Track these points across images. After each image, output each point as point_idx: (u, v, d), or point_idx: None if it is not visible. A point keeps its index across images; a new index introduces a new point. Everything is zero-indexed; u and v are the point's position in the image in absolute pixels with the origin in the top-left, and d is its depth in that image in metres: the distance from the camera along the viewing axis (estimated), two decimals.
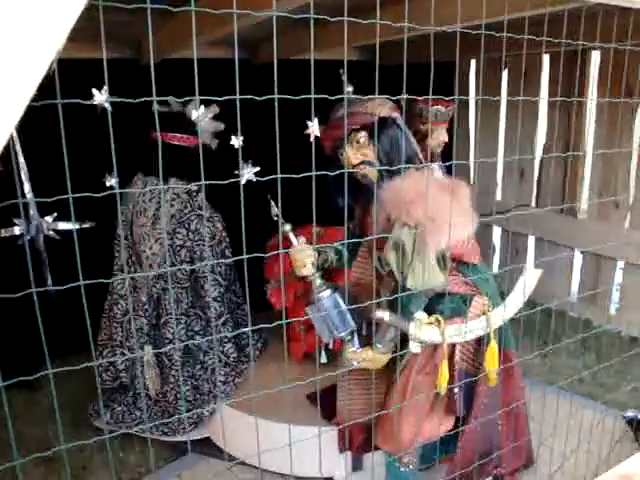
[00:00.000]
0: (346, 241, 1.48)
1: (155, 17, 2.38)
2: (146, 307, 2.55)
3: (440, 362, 1.69)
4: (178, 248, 2.51)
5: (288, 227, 1.72)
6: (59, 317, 3.04)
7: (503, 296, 1.79)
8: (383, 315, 1.60)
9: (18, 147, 2.92)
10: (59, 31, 0.64)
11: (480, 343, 1.77)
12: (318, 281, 1.70)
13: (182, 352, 2.56)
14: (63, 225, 3.14)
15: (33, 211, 3.04)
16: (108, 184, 3.16)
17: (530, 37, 1.42)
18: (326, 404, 2.19)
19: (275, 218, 1.66)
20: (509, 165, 4.10)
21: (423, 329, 1.65)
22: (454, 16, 1.45)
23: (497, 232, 4.43)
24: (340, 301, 1.66)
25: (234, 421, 2.42)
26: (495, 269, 4.34)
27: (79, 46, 2.64)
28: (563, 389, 2.75)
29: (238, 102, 0.97)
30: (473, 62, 4.17)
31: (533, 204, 4.04)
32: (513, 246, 4.21)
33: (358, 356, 1.71)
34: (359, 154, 1.77)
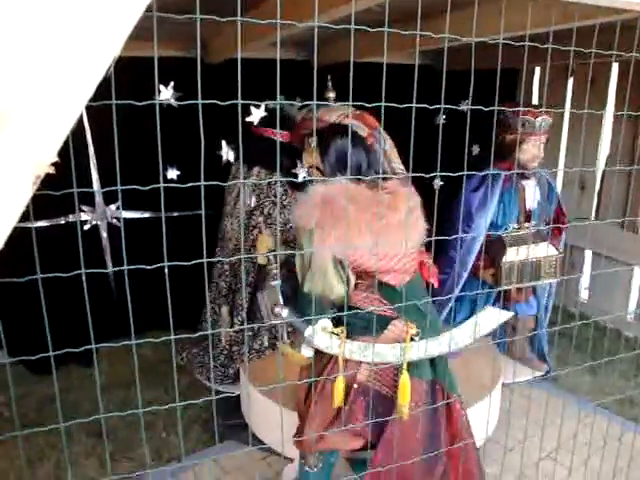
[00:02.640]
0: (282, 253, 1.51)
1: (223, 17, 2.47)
2: (227, 273, 2.93)
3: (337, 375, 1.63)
4: (251, 228, 2.81)
5: (261, 218, 1.81)
6: (119, 300, 3.20)
7: None
8: (281, 312, 1.61)
9: (89, 138, 3.09)
10: (114, 42, 0.71)
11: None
12: (273, 271, 1.79)
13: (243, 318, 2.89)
14: (126, 213, 3.30)
15: (99, 199, 3.21)
16: (169, 177, 3.32)
17: (598, 51, 1.39)
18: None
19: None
20: (569, 177, 3.98)
21: (319, 336, 1.62)
22: (522, 23, 1.44)
23: None
24: (279, 294, 1.71)
25: (261, 406, 2.45)
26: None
27: (149, 44, 2.79)
28: (611, 410, 2.66)
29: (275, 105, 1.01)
30: (537, 69, 4.07)
31: (592, 217, 3.90)
32: (569, 260, 4.08)
33: (281, 348, 1.75)
34: (310, 159, 1.79)
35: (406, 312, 1.63)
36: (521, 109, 2.67)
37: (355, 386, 1.69)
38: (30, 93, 0.67)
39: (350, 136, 1.59)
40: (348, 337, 1.64)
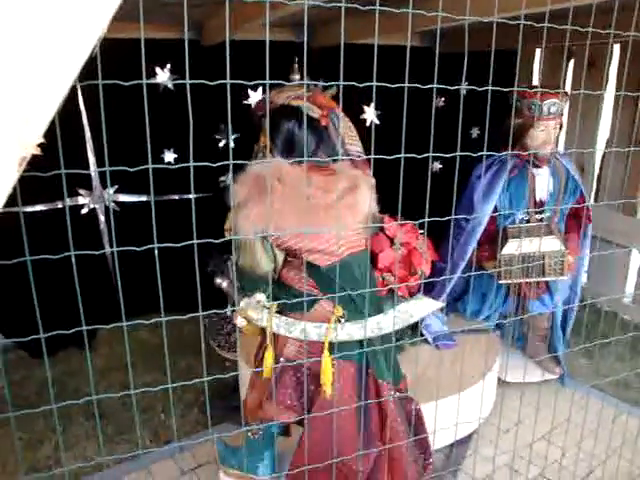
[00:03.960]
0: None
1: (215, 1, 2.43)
2: None
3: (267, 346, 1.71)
4: None
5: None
6: (116, 283, 3.22)
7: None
8: (221, 282, 1.69)
9: (85, 121, 3.08)
10: (99, 21, 0.70)
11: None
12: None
13: None
14: (123, 197, 3.30)
15: (96, 182, 3.21)
16: (166, 159, 3.31)
17: (595, 30, 1.37)
18: None
19: None
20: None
21: (252, 308, 1.68)
22: (520, 3, 1.41)
23: None
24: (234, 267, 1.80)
25: None
26: None
27: (145, 27, 2.77)
28: (606, 392, 2.68)
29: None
30: (538, 51, 4.03)
31: (592, 201, 3.89)
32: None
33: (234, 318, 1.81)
34: (264, 139, 1.82)
35: (331, 293, 1.67)
36: (519, 89, 2.56)
37: (282, 359, 1.74)
38: (13, 72, 0.66)
39: (299, 117, 1.61)
40: (280, 312, 1.70)
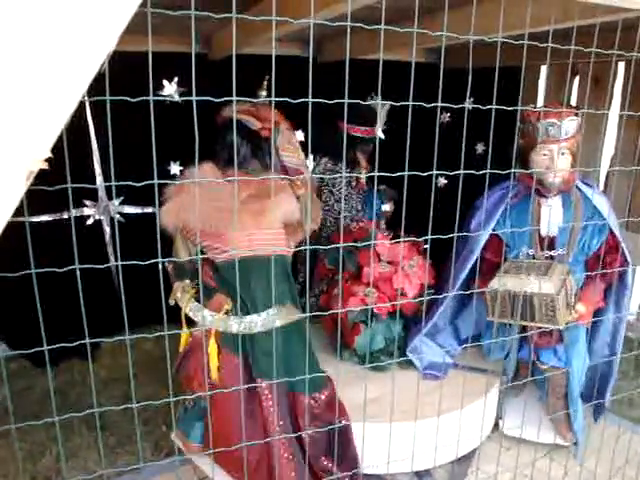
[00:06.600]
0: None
1: (223, 14, 2.46)
2: None
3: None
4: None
5: None
6: (120, 294, 3.22)
7: None
8: (168, 266, 1.92)
9: (92, 133, 3.10)
10: (108, 38, 0.72)
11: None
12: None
13: None
14: (129, 209, 3.31)
15: (101, 194, 3.22)
16: (172, 172, 3.33)
17: (598, 50, 1.38)
18: None
19: None
20: None
21: (180, 292, 1.96)
22: (525, 21, 1.43)
23: None
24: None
25: None
26: None
27: (154, 40, 2.79)
28: (609, 410, 2.66)
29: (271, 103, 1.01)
30: (543, 68, 4.05)
31: None
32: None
33: None
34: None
35: (223, 287, 1.90)
36: (521, 108, 2.38)
37: (190, 339, 1.99)
38: (23, 89, 0.68)
39: (237, 129, 1.75)
40: (198, 300, 1.94)
